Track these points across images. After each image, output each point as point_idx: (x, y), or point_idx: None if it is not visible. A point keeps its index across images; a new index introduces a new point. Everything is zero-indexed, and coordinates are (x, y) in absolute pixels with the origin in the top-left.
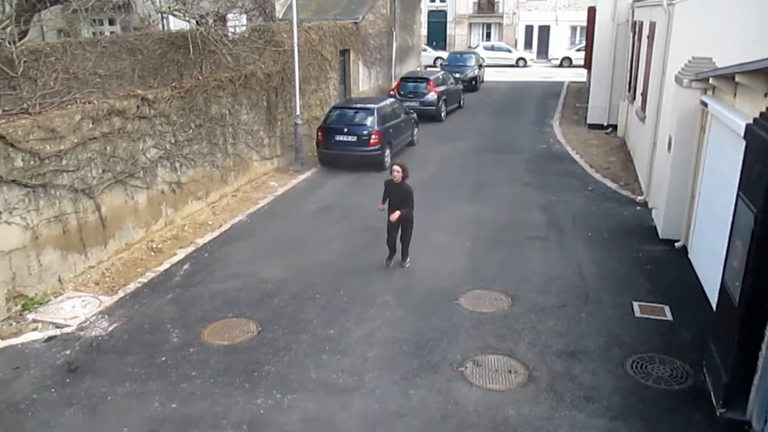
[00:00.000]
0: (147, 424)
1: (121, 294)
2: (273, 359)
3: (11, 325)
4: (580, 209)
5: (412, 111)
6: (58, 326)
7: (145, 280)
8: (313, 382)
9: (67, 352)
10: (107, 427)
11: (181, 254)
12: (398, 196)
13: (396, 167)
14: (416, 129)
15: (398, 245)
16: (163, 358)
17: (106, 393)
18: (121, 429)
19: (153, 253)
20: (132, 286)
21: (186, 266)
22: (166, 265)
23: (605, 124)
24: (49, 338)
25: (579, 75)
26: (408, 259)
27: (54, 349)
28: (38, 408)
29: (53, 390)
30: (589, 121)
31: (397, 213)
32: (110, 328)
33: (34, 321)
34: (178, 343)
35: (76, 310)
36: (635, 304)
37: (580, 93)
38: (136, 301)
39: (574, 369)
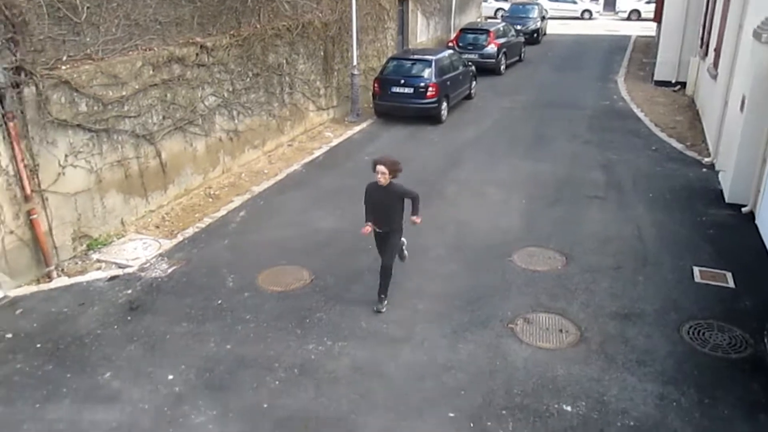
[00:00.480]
0: (203, 363)
1: (180, 238)
2: (325, 307)
3: (77, 264)
4: (643, 169)
5: (470, 63)
6: (120, 266)
7: (203, 226)
8: (363, 331)
9: (129, 291)
10: (165, 363)
11: (238, 201)
12: (386, 203)
13: (379, 166)
14: (474, 82)
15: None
16: (219, 301)
17: (164, 332)
18: (178, 366)
19: (211, 200)
20: (190, 231)
21: (242, 213)
22: (223, 212)
23: (673, 81)
24: (112, 278)
25: (647, 29)
26: (386, 302)
27: (116, 288)
28: (102, 343)
29: (115, 326)
30: (656, 78)
31: (417, 219)
32: (169, 270)
33: (98, 261)
34: (233, 288)
35: (138, 252)
36: (696, 269)
37: (647, 48)
38: (194, 246)
39: (627, 331)
